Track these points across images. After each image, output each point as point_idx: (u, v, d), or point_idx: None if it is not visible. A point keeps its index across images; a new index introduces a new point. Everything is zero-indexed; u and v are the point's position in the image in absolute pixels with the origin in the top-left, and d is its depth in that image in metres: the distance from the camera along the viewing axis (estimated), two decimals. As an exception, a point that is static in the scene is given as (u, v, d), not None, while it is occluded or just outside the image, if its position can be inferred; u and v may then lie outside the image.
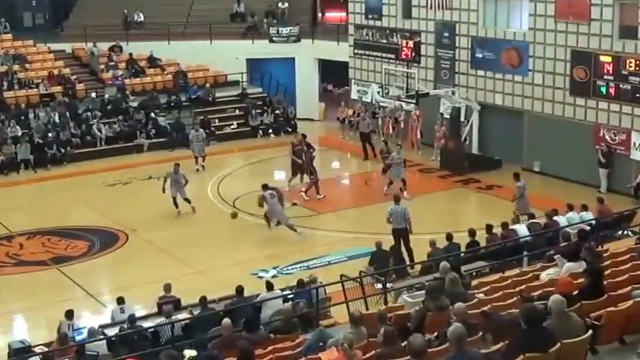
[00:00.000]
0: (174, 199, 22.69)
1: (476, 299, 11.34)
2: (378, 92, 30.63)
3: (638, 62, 23.29)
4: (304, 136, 25.33)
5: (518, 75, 26.82)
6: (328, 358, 9.47)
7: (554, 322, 8.34)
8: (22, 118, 29.78)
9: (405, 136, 29.75)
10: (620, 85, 23.74)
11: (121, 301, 15.39)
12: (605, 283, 10.43)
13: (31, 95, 31.19)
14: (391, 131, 30.05)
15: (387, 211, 19.06)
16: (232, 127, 32.19)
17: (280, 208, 21.25)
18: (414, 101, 26.85)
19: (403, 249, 18.71)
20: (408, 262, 18.30)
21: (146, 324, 14.12)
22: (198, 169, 27.15)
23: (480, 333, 9.31)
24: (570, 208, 18.57)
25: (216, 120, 32.19)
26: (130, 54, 34.25)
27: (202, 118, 31.57)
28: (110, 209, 23.65)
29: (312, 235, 21.61)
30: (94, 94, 31.68)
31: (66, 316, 14.49)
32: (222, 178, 26.69)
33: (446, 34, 29.14)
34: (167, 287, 15.56)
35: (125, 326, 13.87)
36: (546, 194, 23.58)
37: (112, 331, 14.09)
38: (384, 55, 31.44)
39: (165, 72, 34.22)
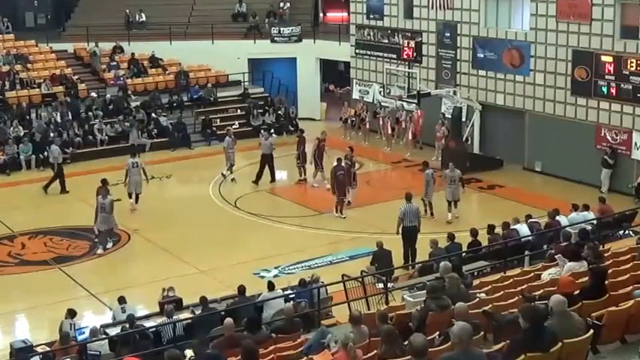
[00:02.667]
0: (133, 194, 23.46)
1: (477, 299, 11.37)
2: (380, 92, 30.65)
3: (639, 62, 23.29)
4: (351, 150, 24.50)
5: (520, 75, 26.82)
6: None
7: (556, 322, 8.36)
8: (26, 117, 29.87)
9: (405, 136, 29.77)
10: (622, 85, 23.74)
11: (122, 300, 15.41)
12: (606, 283, 10.44)
13: (33, 95, 31.21)
14: (390, 131, 30.11)
15: (400, 210, 19.02)
16: (234, 127, 32.11)
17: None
18: (415, 101, 26.87)
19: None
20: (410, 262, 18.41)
21: (148, 324, 14.15)
22: (225, 176, 26.37)
23: (482, 332, 9.34)
24: (575, 208, 18.58)
25: (218, 120, 32.21)
26: (132, 54, 34.28)
27: (204, 118, 31.63)
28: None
29: (313, 234, 21.65)
30: (95, 94, 31.71)
31: (68, 315, 14.52)
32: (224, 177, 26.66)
33: (447, 34, 29.15)
34: (169, 288, 15.59)
35: (127, 326, 13.90)
36: (547, 194, 23.65)
37: (113, 331, 14.11)
38: (386, 55, 31.47)
39: (167, 72, 34.25)
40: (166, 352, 10.02)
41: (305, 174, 25.98)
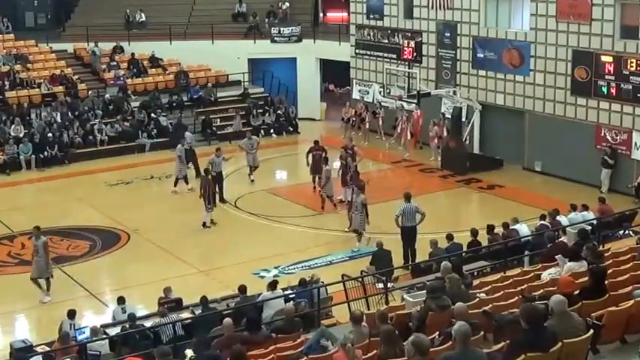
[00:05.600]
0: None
1: (477, 299, 11.37)
2: (380, 92, 30.65)
3: (639, 62, 23.29)
4: (344, 150, 24.29)
5: (520, 75, 26.82)
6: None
7: (556, 322, 8.35)
8: (27, 118, 29.88)
9: (403, 136, 29.74)
10: (622, 85, 23.74)
11: (121, 300, 15.41)
12: (606, 283, 10.44)
13: (33, 95, 31.22)
14: (398, 131, 30.06)
15: (399, 209, 19.01)
16: (234, 127, 32.17)
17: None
18: (415, 101, 26.87)
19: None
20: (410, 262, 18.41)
21: (148, 323, 14.15)
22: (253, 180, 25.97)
23: (482, 332, 9.34)
24: (574, 208, 18.59)
25: (218, 120, 32.23)
26: (132, 54, 34.28)
27: (204, 118, 31.63)
28: (112, 209, 23.66)
29: (313, 234, 21.65)
30: (91, 92, 31.69)
31: (68, 315, 14.52)
32: (224, 177, 26.64)
33: (447, 34, 29.15)
34: (167, 290, 15.56)
35: (127, 325, 13.90)
36: (547, 194, 23.65)
37: (113, 331, 14.11)
38: (386, 55, 31.48)
39: (167, 72, 34.26)
40: (156, 348, 10.03)
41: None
